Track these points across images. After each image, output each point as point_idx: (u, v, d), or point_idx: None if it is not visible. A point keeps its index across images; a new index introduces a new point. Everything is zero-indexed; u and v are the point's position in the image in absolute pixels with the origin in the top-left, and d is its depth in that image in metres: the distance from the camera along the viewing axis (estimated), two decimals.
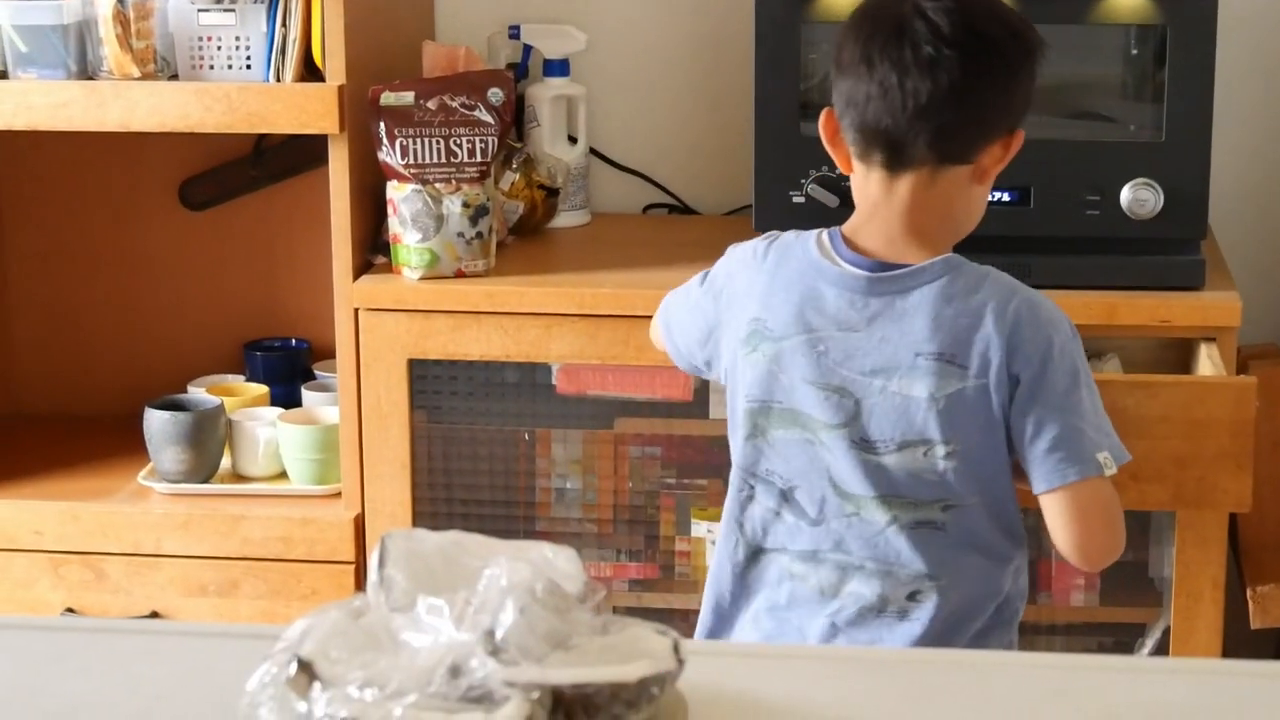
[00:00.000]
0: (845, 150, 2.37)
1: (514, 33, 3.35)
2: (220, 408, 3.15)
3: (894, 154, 2.31)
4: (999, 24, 2.32)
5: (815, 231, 2.38)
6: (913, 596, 2.32)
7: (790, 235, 2.41)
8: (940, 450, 2.28)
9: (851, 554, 2.33)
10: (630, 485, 3.08)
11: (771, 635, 2.38)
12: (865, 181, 2.35)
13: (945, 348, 2.27)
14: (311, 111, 2.93)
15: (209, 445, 3.13)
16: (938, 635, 2.32)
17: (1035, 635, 2.97)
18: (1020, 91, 2.34)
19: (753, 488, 2.38)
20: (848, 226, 2.37)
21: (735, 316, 2.39)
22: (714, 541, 3.03)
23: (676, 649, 1.52)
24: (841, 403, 2.30)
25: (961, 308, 2.28)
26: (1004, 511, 2.35)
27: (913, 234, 2.32)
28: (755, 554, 2.40)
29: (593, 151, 3.43)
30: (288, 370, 3.38)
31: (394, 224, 2.99)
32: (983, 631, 2.36)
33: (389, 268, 3.02)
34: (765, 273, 2.37)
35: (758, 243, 2.42)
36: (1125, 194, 2.85)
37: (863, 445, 2.30)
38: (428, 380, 3.05)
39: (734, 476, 2.41)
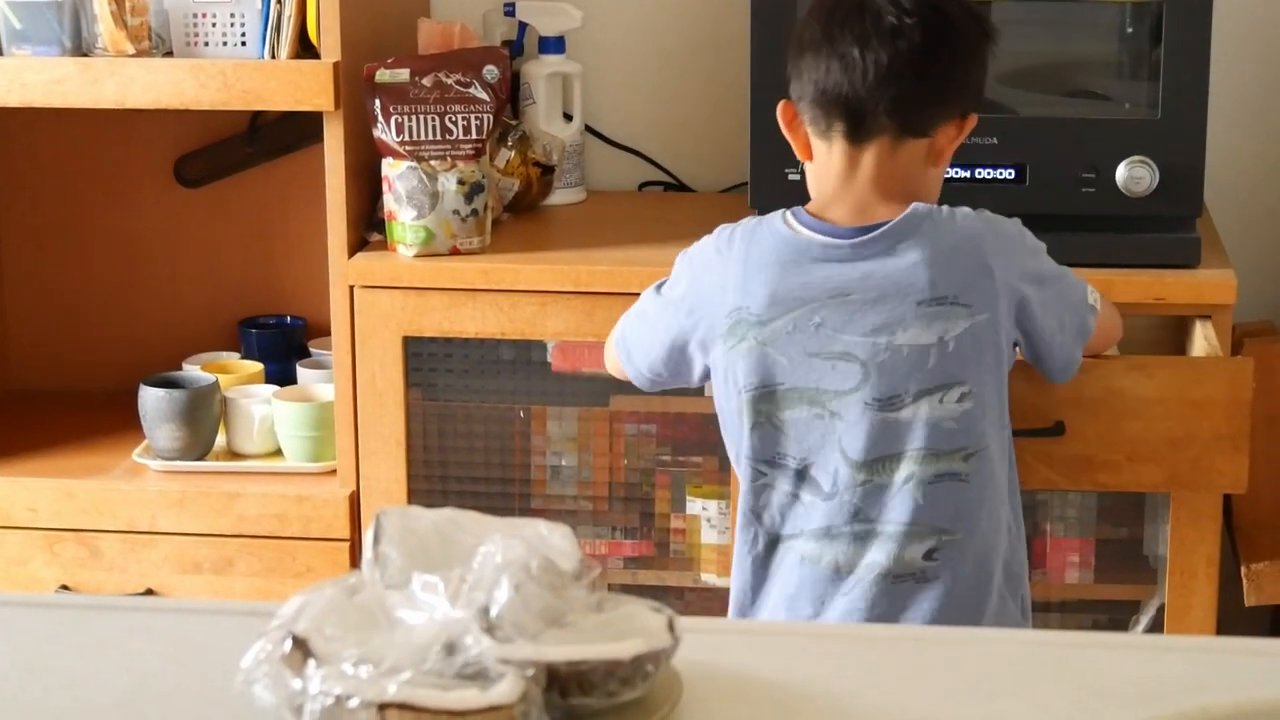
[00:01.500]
0: (803, 136, 2.42)
1: (509, 10, 3.35)
2: (215, 385, 3.15)
3: (855, 123, 2.36)
4: (956, 4, 2.40)
5: (776, 213, 2.41)
6: (930, 555, 2.32)
7: (751, 221, 2.43)
8: (955, 393, 2.30)
9: (871, 521, 2.33)
10: (625, 462, 3.08)
11: None
12: (828, 158, 2.40)
13: (946, 290, 2.30)
14: (306, 88, 2.93)
15: (204, 423, 3.13)
16: (962, 599, 2.33)
17: (1031, 612, 2.97)
18: (976, 72, 2.42)
19: (766, 475, 2.38)
20: (813, 205, 2.41)
21: (711, 315, 2.40)
22: (709, 519, 3.04)
23: (671, 626, 1.52)
24: (849, 368, 2.31)
25: (950, 249, 2.32)
26: (1010, 458, 2.40)
27: (882, 196, 2.37)
28: (773, 543, 2.40)
29: (588, 129, 3.43)
30: (283, 347, 3.38)
31: (389, 201, 2.99)
32: (999, 608, 2.37)
33: (384, 245, 3.02)
34: (736, 260, 2.38)
35: (716, 239, 2.44)
36: (1120, 171, 2.85)
37: (878, 405, 2.31)
38: (423, 358, 3.05)
39: (744, 470, 2.40)
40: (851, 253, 2.33)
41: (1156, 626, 2.91)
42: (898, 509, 2.33)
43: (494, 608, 1.46)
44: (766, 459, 2.38)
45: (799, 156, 2.44)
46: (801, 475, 2.36)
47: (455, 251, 2.98)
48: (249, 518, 3.05)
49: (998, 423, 2.36)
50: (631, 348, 2.53)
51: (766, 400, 2.36)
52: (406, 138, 2.95)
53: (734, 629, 1.96)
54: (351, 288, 2.98)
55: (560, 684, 1.46)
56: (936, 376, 2.31)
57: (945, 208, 2.36)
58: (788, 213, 2.40)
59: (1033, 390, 2.52)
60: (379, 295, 2.96)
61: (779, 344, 2.34)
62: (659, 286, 2.50)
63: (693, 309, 2.42)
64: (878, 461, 2.32)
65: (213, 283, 3.50)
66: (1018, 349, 2.42)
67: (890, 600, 2.33)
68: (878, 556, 2.34)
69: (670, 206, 3.38)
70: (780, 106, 2.43)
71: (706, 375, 2.45)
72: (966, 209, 2.37)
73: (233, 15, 2.97)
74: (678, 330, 2.44)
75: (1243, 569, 2.92)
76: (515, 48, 3.35)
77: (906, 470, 2.32)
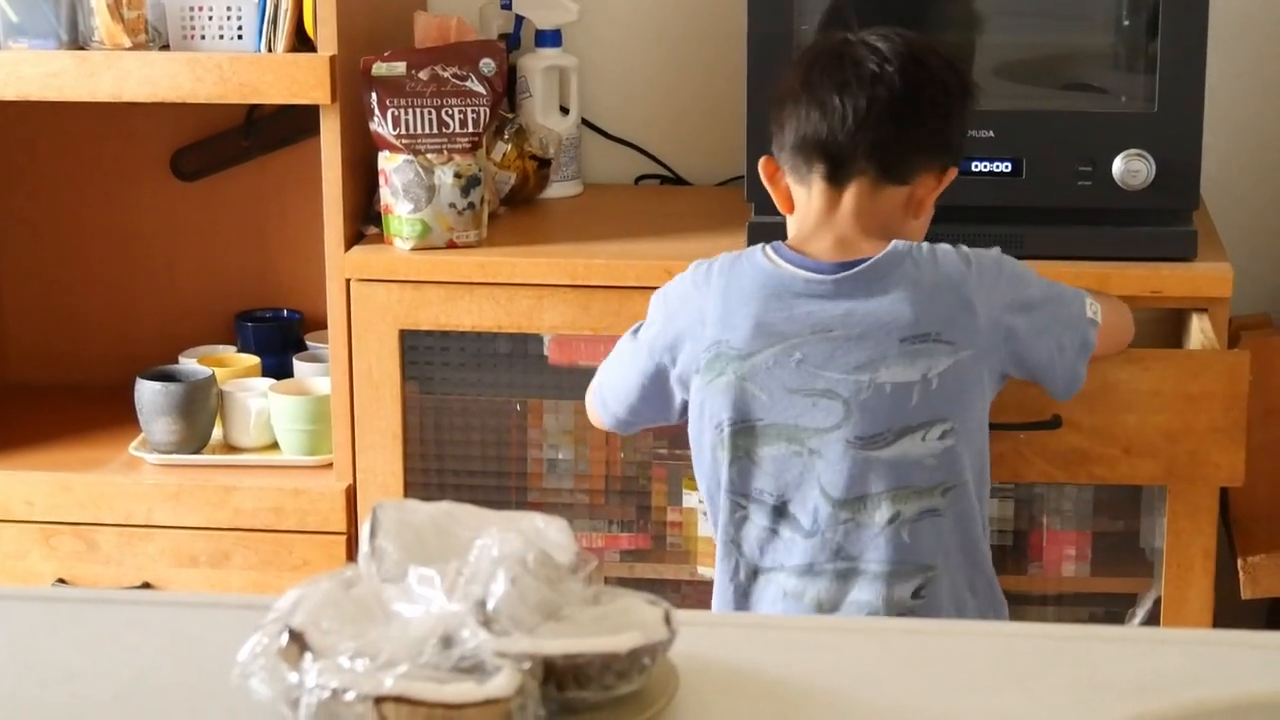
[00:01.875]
0: (784, 189, 2.43)
1: (506, 3, 3.34)
2: (212, 378, 3.15)
3: (835, 166, 2.36)
4: (937, 56, 2.41)
5: (756, 247, 2.41)
6: (917, 593, 2.32)
7: (729, 255, 2.42)
8: (937, 431, 2.29)
9: (853, 560, 2.33)
10: (622, 456, 3.08)
11: None
12: (808, 201, 2.40)
13: (930, 328, 2.30)
14: (303, 82, 2.93)
15: (200, 416, 3.12)
16: None
17: (1027, 605, 2.98)
18: (956, 124, 2.42)
19: (745, 508, 2.38)
20: (793, 239, 2.41)
21: (690, 350, 2.39)
22: (705, 513, 3.04)
23: (668, 619, 1.52)
24: (830, 405, 2.31)
25: (932, 286, 2.31)
26: (984, 487, 2.38)
27: (863, 232, 2.37)
28: (754, 573, 2.40)
29: (585, 122, 3.43)
30: (279, 341, 3.38)
31: (386, 194, 2.98)
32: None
33: (381, 238, 3.02)
34: (715, 294, 2.38)
35: (692, 274, 2.43)
36: (1117, 165, 2.85)
37: (859, 443, 2.30)
38: (419, 351, 3.04)
39: (722, 499, 2.40)
40: (833, 289, 2.33)
41: (1153, 619, 2.91)
42: (882, 548, 2.32)
43: (490, 601, 1.46)
44: (744, 492, 2.38)
45: (780, 210, 2.45)
46: (780, 511, 2.36)
47: (452, 245, 2.98)
48: (245, 511, 3.05)
49: (977, 455, 2.36)
50: (607, 395, 2.54)
51: (745, 435, 2.36)
52: (403, 131, 2.95)
53: (731, 622, 1.96)
54: (348, 281, 2.97)
55: (557, 677, 1.46)
56: (919, 414, 2.30)
57: (926, 245, 2.36)
58: (767, 247, 2.39)
59: (1030, 384, 2.52)
60: (375, 289, 2.96)
61: (758, 379, 2.33)
62: (635, 331, 2.50)
63: (670, 346, 2.42)
64: (859, 500, 2.32)
65: (209, 276, 3.50)
66: (1004, 379, 2.41)
67: None
68: (865, 595, 2.33)
69: (667, 200, 3.38)
70: (761, 162, 2.45)
71: (684, 411, 2.44)
72: (947, 246, 2.37)
73: (229, 8, 2.97)
74: (654, 368, 2.44)
75: (1239, 562, 2.92)
76: (512, 41, 3.35)
77: (889, 509, 2.31)
